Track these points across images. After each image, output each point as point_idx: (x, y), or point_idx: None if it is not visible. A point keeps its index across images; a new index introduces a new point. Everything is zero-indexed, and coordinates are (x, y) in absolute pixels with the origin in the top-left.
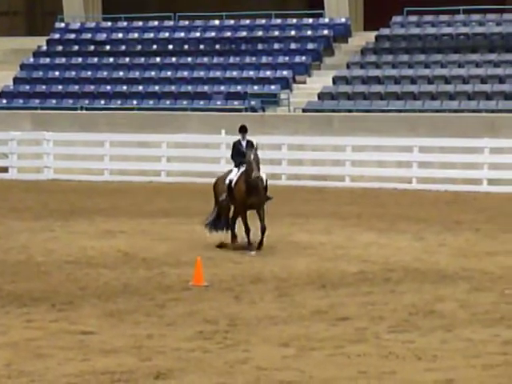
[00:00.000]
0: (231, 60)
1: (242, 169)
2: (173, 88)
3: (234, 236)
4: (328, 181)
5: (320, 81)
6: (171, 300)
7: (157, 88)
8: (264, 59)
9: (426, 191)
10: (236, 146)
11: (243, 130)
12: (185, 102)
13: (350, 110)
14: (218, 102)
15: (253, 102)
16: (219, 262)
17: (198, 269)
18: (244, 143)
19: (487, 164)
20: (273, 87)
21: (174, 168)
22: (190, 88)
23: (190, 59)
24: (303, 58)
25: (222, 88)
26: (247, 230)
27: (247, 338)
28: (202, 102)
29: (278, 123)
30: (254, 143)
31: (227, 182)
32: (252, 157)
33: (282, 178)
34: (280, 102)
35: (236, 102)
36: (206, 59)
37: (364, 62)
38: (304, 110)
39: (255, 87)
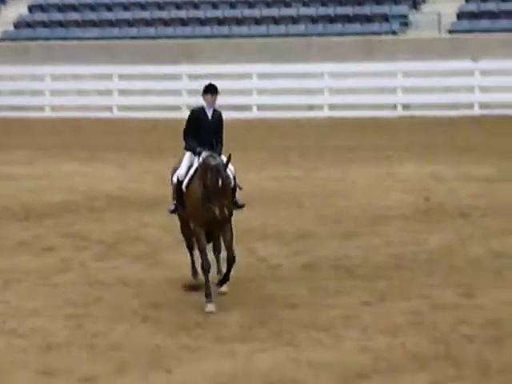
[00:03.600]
0: None
1: (198, 160)
2: None
3: (193, 269)
4: (28, 111)
5: (15, 10)
6: None
7: None
8: None
9: (127, 119)
10: (195, 117)
11: (210, 90)
12: None
13: (47, 39)
14: None
15: None
16: None
17: None
18: (210, 114)
19: (186, 90)
20: None
21: None
22: None
23: None
24: None
25: None
26: (205, 264)
27: None
28: None
29: None
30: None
31: (174, 179)
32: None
33: None
34: None
35: None
36: None
37: None
38: (0, 40)
39: None
